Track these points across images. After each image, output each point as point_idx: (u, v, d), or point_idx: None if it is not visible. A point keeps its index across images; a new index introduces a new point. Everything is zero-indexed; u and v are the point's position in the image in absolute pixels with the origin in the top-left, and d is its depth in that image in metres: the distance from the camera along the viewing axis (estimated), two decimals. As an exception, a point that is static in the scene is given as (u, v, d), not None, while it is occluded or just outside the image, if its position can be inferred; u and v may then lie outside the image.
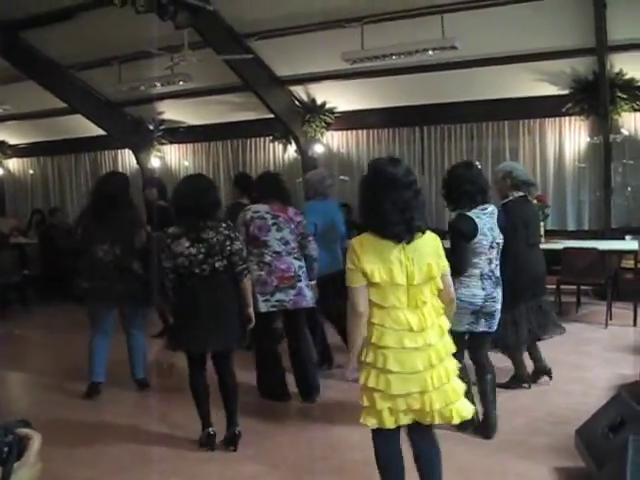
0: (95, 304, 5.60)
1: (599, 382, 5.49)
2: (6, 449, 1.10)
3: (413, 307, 3.03)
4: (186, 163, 12.69)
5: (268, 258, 5.14)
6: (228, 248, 4.31)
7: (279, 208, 5.26)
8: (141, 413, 5.40)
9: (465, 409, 3.18)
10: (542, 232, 8.38)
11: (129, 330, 5.78)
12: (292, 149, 11.34)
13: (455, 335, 4.34)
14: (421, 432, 3.24)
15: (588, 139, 9.33)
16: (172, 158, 12.84)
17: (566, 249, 7.87)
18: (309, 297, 5.29)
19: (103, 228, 5.46)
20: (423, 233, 3.08)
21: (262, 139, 11.76)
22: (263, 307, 5.10)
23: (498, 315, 4.47)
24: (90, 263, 5.49)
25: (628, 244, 8.21)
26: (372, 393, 3.04)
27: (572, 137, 9.51)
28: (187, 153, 12.73)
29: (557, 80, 8.93)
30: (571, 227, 9.55)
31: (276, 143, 11.50)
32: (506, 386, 5.41)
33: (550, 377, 5.58)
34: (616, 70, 8.55)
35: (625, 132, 8.95)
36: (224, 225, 4.40)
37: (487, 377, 4.57)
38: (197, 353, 4.46)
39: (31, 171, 14.87)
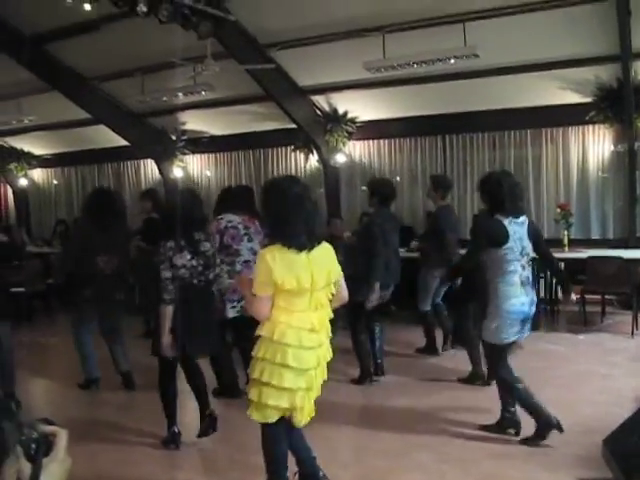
0: (92, 310, 5.94)
1: (626, 392, 5.42)
2: (34, 445, 1.10)
3: (314, 309, 3.34)
4: (208, 173, 12.77)
5: (238, 267, 5.41)
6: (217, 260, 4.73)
7: (249, 219, 5.56)
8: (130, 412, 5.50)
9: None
10: (565, 241, 8.36)
11: (114, 331, 6.10)
12: (314, 159, 11.34)
13: (501, 347, 4.45)
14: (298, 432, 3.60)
15: (612, 147, 9.25)
16: (194, 168, 12.91)
17: (590, 258, 7.79)
18: None
19: (104, 240, 5.75)
20: (319, 243, 3.39)
21: (284, 149, 11.80)
22: (231, 313, 5.43)
23: None
24: (91, 272, 5.76)
25: (653, 253, 8.10)
26: (262, 387, 3.30)
27: (596, 145, 9.44)
28: (209, 163, 12.80)
29: (580, 88, 8.87)
30: (595, 236, 9.47)
31: (298, 153, 11.52)
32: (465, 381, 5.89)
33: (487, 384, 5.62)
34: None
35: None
36: (212, 238, 4.80)
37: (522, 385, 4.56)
38: (194, 358, 4.71)
39: (55, 181, 15.05)
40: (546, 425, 4.44)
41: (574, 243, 8.58)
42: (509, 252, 4.34)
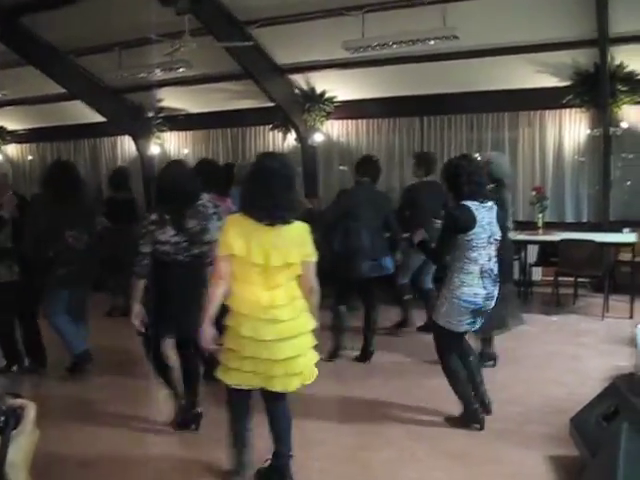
0: (68, 289, 5.59)
1: (594, 373, 5.51)
2: (2, 418, 1.11)
3: (267, 287, 3.43)
4: (185, 150, 12.67)
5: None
6: (205, 237, 4.43)
7: (219, 197, 5.34)
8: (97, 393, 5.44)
9: (308, 378, 3.57)
10: (540, 224, 8.45)
11: (81, 312, 5.84)
12: (292, 137, 11.30)
13: (454, 335, 4.42)
14: (272, 400, 3.62)
15: (588, 131, 9.33)
16: (172, 145, 12.82)
17: (564, 241, 7.88)
18: None
19: (70, 215, 5.51)
20: (288, 223, 3.44)
21: (262, 127, 11.73)
22: None
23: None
24: (62, 250, 5.48)
25: (625, 237, 8.22)
26: (229, 353, 3.48)
27: (572, 129, 9.51)
28: (187, 141, 12.71)
29: (558, 72, 8.92)
30: (569, 219, 9.56)
31: (276, 131, 11.47)
32: None
33: (494, 363, 5.73)
34: (617, 62, 8.53)
35: (625, 125, 8.95)
36: (202, 214, 4.50)
37: (470, 359, 4.58)
38: (180, 337, 4.52)
39: (30, 157, 14.85)
40: (470, 418, 4.50)
41: (549, 226, 8.66)
42: (475, 238, 4.25)
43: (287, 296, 3.46)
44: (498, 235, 4.39)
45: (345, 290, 6.26)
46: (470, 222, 4.25)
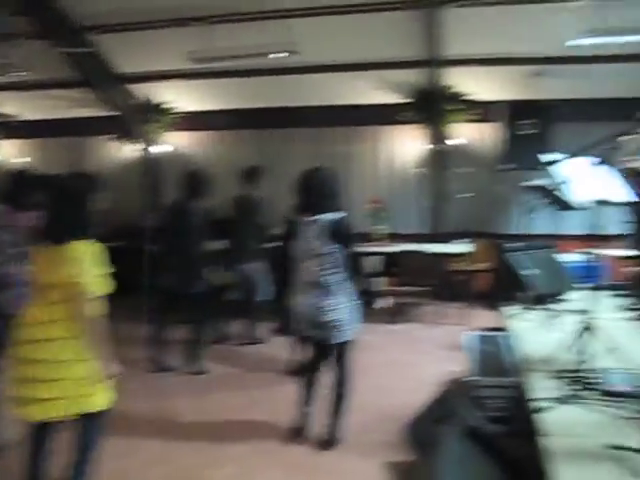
0: None
1: (430, 379, 5.64)
2: None
3: (38, 303, 3.34)
4: (20, 159, 11.96)
5: None
6: None
7: (11, 210, 4.81)
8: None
9: (76, 408, 3.29)
10: (377, 236, 8.71)
11: None
12: (133, 148, 10.99)
13: (304, 341, 4.54)
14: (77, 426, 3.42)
15: (427, 146, 9.73)
16: (4, 153, 12.07)
17: (402, 252, 8.18)
18: None
19: None
20: (63, 242, 3.27)
21: (102, 137, 11.26)
22: None
23: (342, 326, 4.38)
24: None
25: (461, 247, 8.62)
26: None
27: (410, 144, 9.90)
28: (22, 149, 12.02)
29: (398, 89, 9.25)
30: (408, 231, 9.87)
31: (117, 141, 11.09)
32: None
33: None
34: (448, 83, 9.00)
35: (456, 141, 9.43)
36: None
37: (334, 387, 4.57)
38: None
39: None
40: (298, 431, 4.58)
41: (393, 238, 8.96)
42: (297, 251, 4.40)
43: (47, 317, 3.28)
44: (322, 251, 4.29)
45: (160, 303, 6.31)
46: (288, 234, 4.47)
